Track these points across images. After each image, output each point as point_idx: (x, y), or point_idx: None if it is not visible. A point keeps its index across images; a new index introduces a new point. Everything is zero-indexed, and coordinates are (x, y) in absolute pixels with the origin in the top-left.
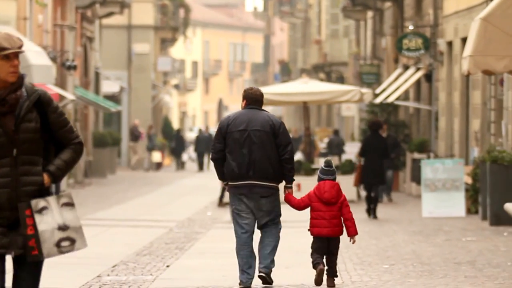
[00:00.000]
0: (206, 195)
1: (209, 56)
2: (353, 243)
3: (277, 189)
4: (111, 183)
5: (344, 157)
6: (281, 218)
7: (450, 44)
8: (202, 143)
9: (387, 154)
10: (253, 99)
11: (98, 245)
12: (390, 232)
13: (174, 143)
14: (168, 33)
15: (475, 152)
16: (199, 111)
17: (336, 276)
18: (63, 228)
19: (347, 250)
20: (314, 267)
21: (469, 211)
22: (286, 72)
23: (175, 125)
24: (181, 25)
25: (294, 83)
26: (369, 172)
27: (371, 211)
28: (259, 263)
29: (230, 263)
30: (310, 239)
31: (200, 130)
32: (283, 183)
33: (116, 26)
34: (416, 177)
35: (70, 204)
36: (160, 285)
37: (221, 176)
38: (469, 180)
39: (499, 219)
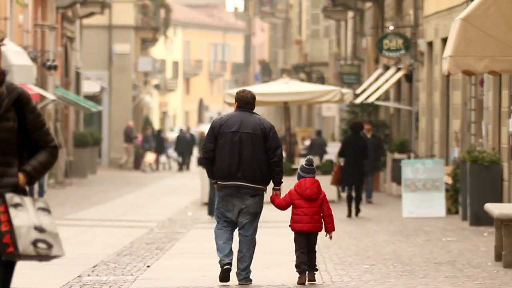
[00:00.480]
0: (186, 196)
1: (189, 56)
2: (330, 238)
3: (264, 191)
4: (91, 183)
5: (326, 157)
6: (263, 219)
7: (430, 44)
8: (183, 143)
9: (367, 155)
10: (244, 102)
11: (79, 245)
12: (371, 232)
13: (155, 144)
14: (148, 33)
15: (455, 153)
16: (179, 111)
17: (316, 270)
18: (39, 229)
19: (327, 250)
20: (297, 269)
21: (449, 211)
22: (267, 72)
23: (156, 125)
24: (161, 25)
25: (274, 83)
26: (349, 172)
27: (352, 211)
28: (238, 274)
29: (210, 263)
30: (290, 239)
31: (181, 130)
32: (271, 185)
33: (96, 26)
34: (397, 178)
35: (46, 210)
36: (141, 285)
37: (211, 175)
38: (449, 180)
39: (479, 219)
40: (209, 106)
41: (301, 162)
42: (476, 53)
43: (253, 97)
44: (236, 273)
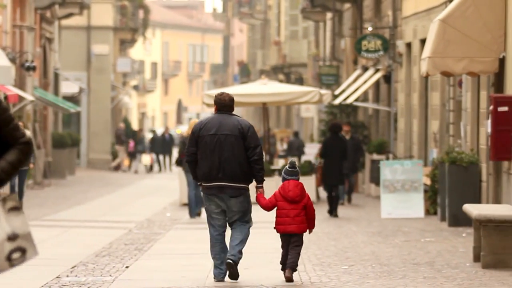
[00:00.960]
0: (165, 196)
1: (168, 57)
2: (309, 233)
3: (247, 190)
4: (70, 184)
5: (304, 158)
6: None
7: (409, 45)
8: (158, 144)
9: (347, 156)
10: (222, 105)
11: (57, 246)
12: (349, 233)
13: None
14: (127, 34)
15: (434, 153)
16: (158, 112)
17: (296, 270)
18: (12, 238)
19: (306, 251)
20: (282, 266)
21: (428, 212)
22: (245, 73)
23: (135, 126)
24: (140, 26)
25: (253, 84)
26: (329, 173)
27: (333, 211)
28: (228, 253)
29: (189, 264)
30: (269, 240)
31: (154, 132)
32: (254, 183)
33: (75, 27)
34: (375, 178)
35: (17, 208)
36: (119, 286)
37: (195, 176)
38: (428, 181)
39: (457, 220)
40: (188, 107)
41: (280, 163)
42: (455, 54)
43: (231, 99)
44: (227, 256)
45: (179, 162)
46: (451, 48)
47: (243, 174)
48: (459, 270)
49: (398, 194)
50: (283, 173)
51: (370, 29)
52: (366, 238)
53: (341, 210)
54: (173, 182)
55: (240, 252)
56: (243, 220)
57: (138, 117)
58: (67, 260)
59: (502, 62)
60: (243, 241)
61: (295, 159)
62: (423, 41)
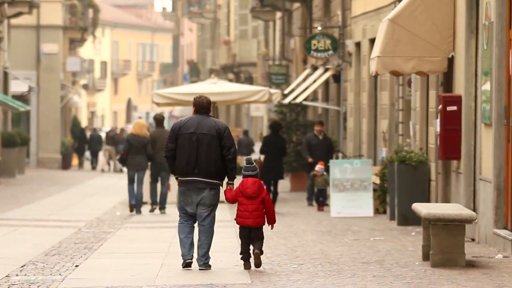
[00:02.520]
0: (115, 195)
1: (118, 56)
2: (271, 229)
3: (219, 185)
4: (20, 183)
5: (254, 156)
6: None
7: (358, 45)
8: (95, 142)
9: (285, 153)
10: (200, 106)
11: (7, 245)
12: (299, 232)
13: (77, 143)
14: (77, 33)
15: (383, 153)
16: (108, 111)
17: (262, 253)
18: None
19: None
20: (242, 256)
21: (377, 211)
22: (195, 73)
23: (84, 125)
24: (90, 25)
25: (203, 83)
26: (269, 169)
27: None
28: (198, 259)
29: (139, 263)
30: (222, 240)
31: (95, 129)
32: (226, 180)
33: (24, 26)
34: None
35: None
36: (69, 285)
37: (173, 171)
38: (377, 180)
39: (406, 219)
40: (138, 106)
41: None
42: (404, 54)
43: (208, 102)
44: (197, 259)
45: (122, 160)
46: (400, 47)
47: (216, 171)
48: (409, 269)
49: (348, 193)
50: (242, 170)
51: (319, 28)
52: (315, 237)
53: (291, 209)
54: (122, 181)
55: (209, 257)
56: (211, 213)
57: (87, 116)
58: (17, 259)
59: (451, 61)
60: (210, 244)
61: (241, 157)
62: (372, 41)
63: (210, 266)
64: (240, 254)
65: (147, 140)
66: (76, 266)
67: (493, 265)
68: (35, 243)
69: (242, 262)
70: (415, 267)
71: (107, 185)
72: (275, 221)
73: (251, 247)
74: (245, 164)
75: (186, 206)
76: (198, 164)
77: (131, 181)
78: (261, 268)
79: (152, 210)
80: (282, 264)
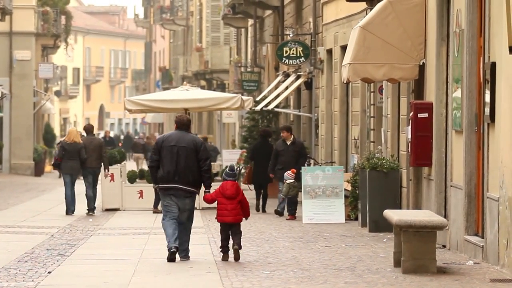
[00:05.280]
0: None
1: (90, 63)
2: (246, 219)
3: (196, 193)
4: None
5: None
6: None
7: (330, 52)
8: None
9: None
10: (180, 123)
11: None
12: (271, 238)
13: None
14: (49, 40)
15: (354, 159)
16: (80, 117)
17: (240, 248)
18: None
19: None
20: (221, 249)
21: (348, 217)
22: (167, 79)
23: (57, 131)
24: (62, 32)
25: (175, 90)
26: (259, 174)
27: (261, 207)
28: (180, 254)
29: (112, 269)
30: (194, 247)
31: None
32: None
33: None
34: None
35: None
36: None
37: (155, 180)
38: (348, 187)
39: (378, 225)
40: (110, 112)
41: None
42: (375, 61)
43: (188, 119)
44: (178, 253)
45: (56, 165)
46: (371, 54)
47: (194, 180)
48: (380, 275)
49: (319, 199)
50: (223, 174)
51: (291, 35)
52: (287, 243)
53: (262, 216)
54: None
55: (188, 249)
56: (191, 217)
57: (60, 123)
58: None
59: (422, 68)
60: (188, 240)
61: (233, 163)
62: (344, 48)
63: (189, 257)
64: (220, 248)
65: (80, 146)
66: (49, 272)
67: (464, 271)
68: (8, 250)
69: (222, 254)
70: (387, 274)
71: (79, 191)
72: (249, 214)
73: (230, 242)
74: (227, 170)
75: (170, 207)
76: (177, 173)
77: (67, 185)
78: (236, 271)
79: (89, 214)
80: (254, 271)
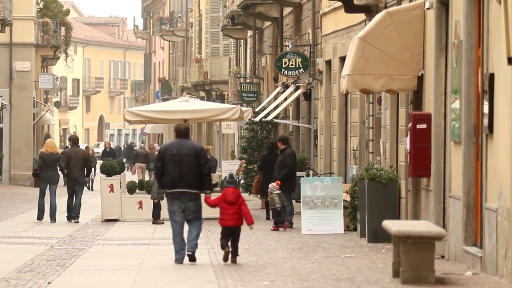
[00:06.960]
0: (87, 213)
1: (90, 74)
2: (251, 229)
3: (200, 195)
4: None
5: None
6: (160, 237)
7: (329, 63)
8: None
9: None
10: (179, 132)
11: None
12: (270, 249)
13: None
14: (49, 51)
15: (353, 170)
16: (80, 128)
17: (238, 255)
18: None
19: (227, 266)
20: (222, 248)
21: (347, 228)
22: (167, 90)
23: (57, 142)
24: (62, 43)
25: (174, 101)
26: (266, 184)
27: (271, 216)
28: (187, 246)
29: (111, 280)
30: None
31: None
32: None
33: None
34: (296, 195)
35: None
36: None
37: (161, 185)
38: (347, 198)
39: (377, 236)
40: (110, 123)
41: None
42: (374, 72)
43: (186, 127)
44: (186, 248)
45: (36, 175)
46: (370, 66)
47: (197, 183)
48: (379, 285)
49: (318, 210)
50: (225, 182)
51: (290, 46)
52: (286, 254)
53: (261, 226)
54: (94, 198)
55: (196, 245)
56: (198, 217)
57: (60, 134)
58: None
59: (420, 80)
60: (198, 235)
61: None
62: (342, 59)
63: (195, 252)
64: (221, 246)
65: (58, 156)
66: (49, 283)
67: (462, 282)
68: (8, 260)
69: (222, 254)
70: (385, 284)
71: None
72: (252, 221)
73: (229, 244)
74: (228, 178)
75: (176, 212)
76: (181, 178)
77: (42, 194)
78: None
79: (69, 220)
80: (253, 281)
